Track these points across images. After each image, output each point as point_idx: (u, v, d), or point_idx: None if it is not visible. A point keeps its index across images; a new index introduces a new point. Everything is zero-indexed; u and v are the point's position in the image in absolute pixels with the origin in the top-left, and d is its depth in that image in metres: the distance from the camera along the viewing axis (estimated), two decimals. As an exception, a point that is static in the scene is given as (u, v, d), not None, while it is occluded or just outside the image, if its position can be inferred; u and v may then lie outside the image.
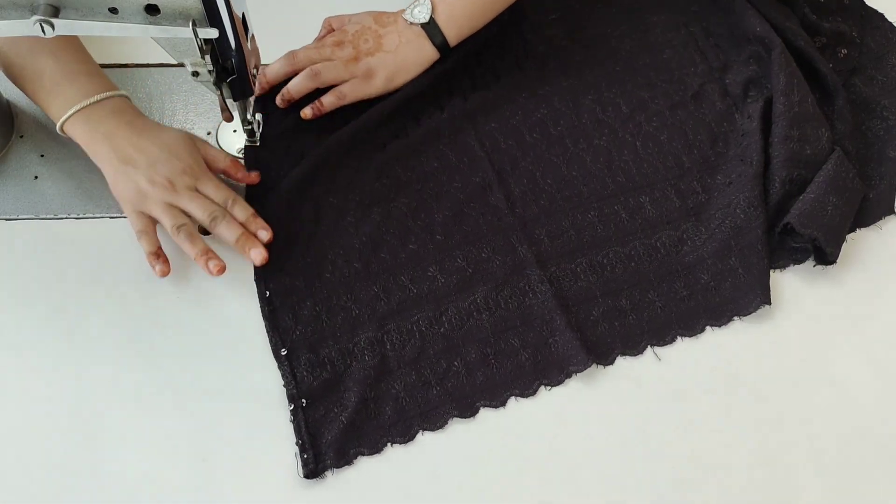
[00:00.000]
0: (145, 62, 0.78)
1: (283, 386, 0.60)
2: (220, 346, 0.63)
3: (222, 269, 0.63)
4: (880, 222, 0.70)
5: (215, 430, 0.59)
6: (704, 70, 0.78)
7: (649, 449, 0.59)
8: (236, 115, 0.72)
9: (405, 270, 0.66)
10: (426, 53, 0.73)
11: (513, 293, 0.65)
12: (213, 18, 0.55)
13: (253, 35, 0.62)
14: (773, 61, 0.75)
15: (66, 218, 0.69)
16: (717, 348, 0.64)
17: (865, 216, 0.70)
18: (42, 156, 0.72)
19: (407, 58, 0.73)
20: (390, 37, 0.73)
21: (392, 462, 0.58)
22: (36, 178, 0.71)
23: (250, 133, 0.72)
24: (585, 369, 0.61)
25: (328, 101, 0.72)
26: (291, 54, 0.73)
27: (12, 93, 0.75)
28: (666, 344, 0.64)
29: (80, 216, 0.69)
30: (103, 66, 0.77)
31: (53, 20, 0.53)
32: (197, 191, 0.65)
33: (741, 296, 0.65)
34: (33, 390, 0.60)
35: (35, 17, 0.53)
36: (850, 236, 0.69)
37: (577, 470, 0.58)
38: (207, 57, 0.58)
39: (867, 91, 0.78)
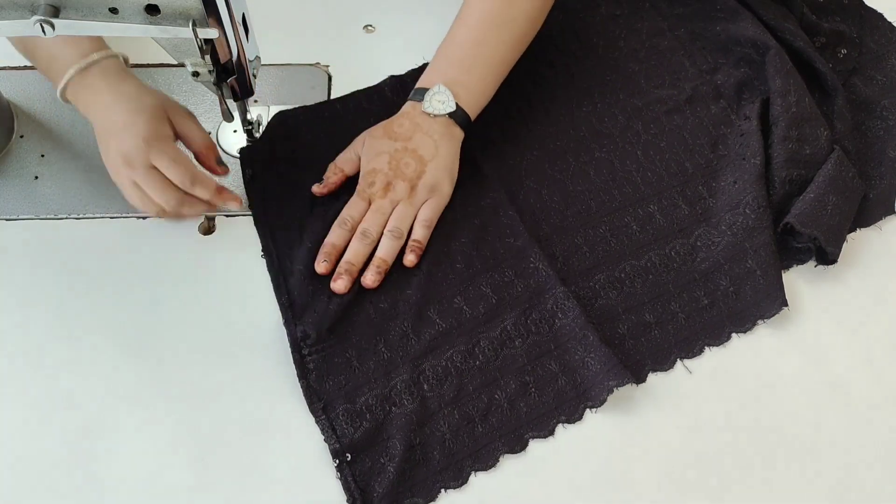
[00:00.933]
0: (145, 62, 0.78)
1: (325, 441, 0.58)
2: (221, 345, 0.63)
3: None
4: (880, 222, 0.70)
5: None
6: (694, 73, 0.78)
7: (659, 451, 0.59)
8: (236, 115, 0.72)
9: (431, 304, 0.64)
10: (459, 137, 0.69)
11: (542, 316, 0.64)
12: (213, 18, 0.55)
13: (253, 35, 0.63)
14: (767, 63, 0.74)
15: (67, 218, 0.69)
16: (716, 348, 0.63)
17: (865, 216, 0.70)
18: (42, 156, 0.72)
19: (450, 151, 0.68)
20: (423, 144, 0.67)
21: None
22: (36, 178, 0.71)
23: (250, 133, 0.72)
24: (627, 384, 0.59)
25: (422, 235, 0.66)
26: (346, 223, 0.65)
27: (13, 93, 0.75)
28: (694, 356, 0.63)
29: (81, 216, 0.69)
30: (103, 66, 0.78)
31: (53, 20, 0.53)
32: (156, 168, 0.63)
33: (762, 298, 0.65)
34: (33, 390, 0.60)
35: (35, 17, 0.53)
36: (850, 236, 0.68)
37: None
38: (207, 57, 0.58)
39: (867, 91, 0.78)
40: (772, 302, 0.64)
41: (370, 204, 0.67)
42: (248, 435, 0.59)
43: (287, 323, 0.63)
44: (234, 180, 0.71)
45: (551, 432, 0.60)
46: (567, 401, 0.61)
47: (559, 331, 0.63)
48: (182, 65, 0.60)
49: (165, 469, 0.57)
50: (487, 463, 0.58)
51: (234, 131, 0.74)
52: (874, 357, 0.63)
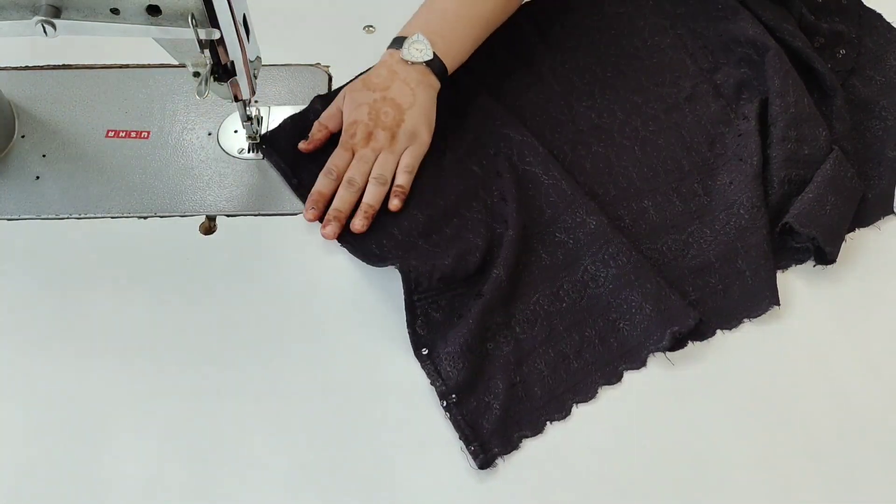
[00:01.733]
0: (146, 62, 0.78)
1: (431, 384, 0.60)
2: (221, 346, 0.63)
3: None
4: (879, 222, 0.71)
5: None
6: (695, 72, 0.79)
7: (649, 448, 0.59)
8: (236, 114, 0.72)
9: (518, 254, 0.66)
10: (435, 87, 0.72)
11: (619, 249, 0.65)
12: (214, 19, 0.56)
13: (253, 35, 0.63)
14: (766, 64, 0.75)
15: (68, 218, 0.69)
16: (716, 347, 0.64)
17: (864, 216, 0.70)
18: (44, 156, 0.72)
19: (427, 99, 0.71)
20: (401, 92, 0.70)
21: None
22: (37, 178, 0.71)
23: (254, 135, 0.72)
24: (693, 323, 0.62)
25: (405, 180, 0.69)
26: (332, 172, 0.69)
27: (13, 93, 0.76)
28: (678, 349, 0.63)
29: (82, 216, 0.69)
30: (104, 66, 0.78)
31: (55, 21, 0.54)
32: None
33: (750, 298, 0.65)
34: (33, 390, 0.60)
35: (36, 18, 0.53)
36: (849, 236, 0.69)
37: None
38: (208, 57, 0.59)
39: (866, 91, 0.78)
40: (759, 302, 0.65)
41: (354, 154, 0.70)
42: (247, 435, 0.59)
43: (402, 272, 0.64)
44: (235, 185, 0.72)
45: (643, 363, 0.62)
46: (655, 330, 0.62)
47: (640, 262, 0.65)
48: (182, 65, 0.60)
49: (165, 469, 0.57)
50: (587, 395, 0.61)
51: (235, 131, 0.74)
52: (873, 356, 0.64)
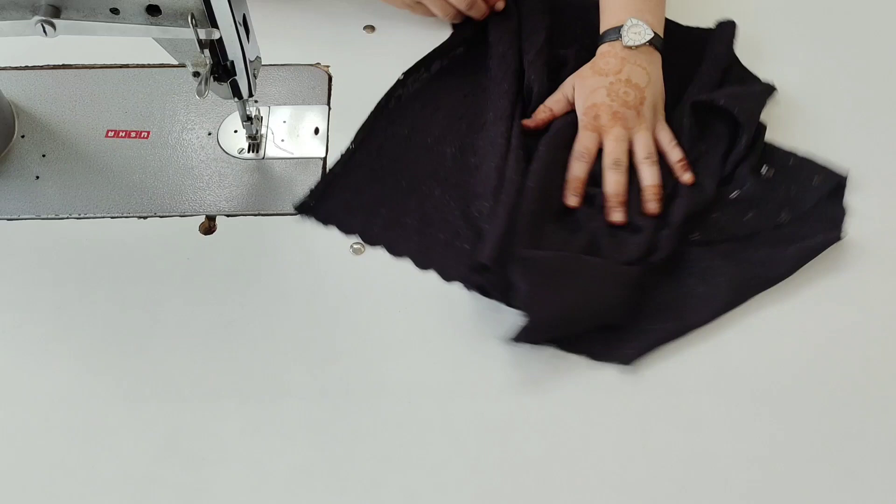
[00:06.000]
0: (146, 62, 0.79)
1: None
2: (221, 346, 0.63)
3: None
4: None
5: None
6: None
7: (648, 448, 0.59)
8: (236, 114, 0.72)
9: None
10: (660, 62, 0.74)
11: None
12: (214, 19, 0.56)
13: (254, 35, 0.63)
14: None
15: (68, 218, 0.69)
16: (715, 346, 0.64)
17: None
18: (43, 156, 0.72)
19: (659, 75, 0.74)
20: (635, 73, 0.72)
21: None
22: (37, 178, 0.71)
23: (251, 133, 0.72)
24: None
25: (681, 151, 0.71)
26: (584, 156, 0.70)
27: (13, 93, 0.76)
28: None
29: (82, 216, 0.69)
30: (104, 66, 0.78)
31: (55, 20, 0.54)
32: None
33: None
34: (33, 390, 0.60)
35: (36, 18, 0.53)
36: (848, 237, 0.69)
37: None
38: (208, 57, 0.59)
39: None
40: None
41: (599, 136, 0.71)
42: (247, 435, 0.59)
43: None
44: (235, 185, 0.72)
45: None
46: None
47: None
48: (182, 65, 0.61)
49: (164, 469, 0.57)
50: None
51: (235, 131, 0.74)
52: (872, 357, 0.64)
